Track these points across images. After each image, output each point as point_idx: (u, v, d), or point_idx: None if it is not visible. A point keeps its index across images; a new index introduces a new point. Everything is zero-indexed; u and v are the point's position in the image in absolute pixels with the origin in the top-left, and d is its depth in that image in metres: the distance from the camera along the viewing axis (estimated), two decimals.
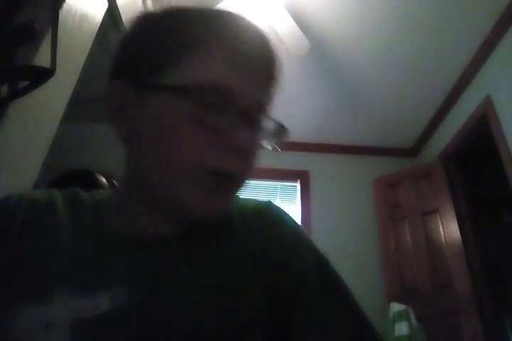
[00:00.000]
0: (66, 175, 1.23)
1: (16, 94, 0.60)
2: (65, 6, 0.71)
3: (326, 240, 2.95)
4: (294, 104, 2.91)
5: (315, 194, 3.16)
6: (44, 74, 0.60)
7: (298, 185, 3.23)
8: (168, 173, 0.39)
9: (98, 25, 0.89)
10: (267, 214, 0.47)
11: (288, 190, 3.25)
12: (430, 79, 2.63)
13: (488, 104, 2.31)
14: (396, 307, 2.40)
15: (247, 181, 0.43)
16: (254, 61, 0.41)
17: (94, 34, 0.87)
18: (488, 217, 2.86)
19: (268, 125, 0.42)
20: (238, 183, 0.42)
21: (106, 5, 0.94)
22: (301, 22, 2.21)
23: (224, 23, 0.43)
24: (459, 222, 2.53)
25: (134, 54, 0.43)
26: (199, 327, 0.36)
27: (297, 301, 0.40)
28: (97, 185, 1.22)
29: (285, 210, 0.49)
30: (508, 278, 2.47)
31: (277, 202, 3.17)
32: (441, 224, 2.63)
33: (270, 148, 0.43)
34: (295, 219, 0.48)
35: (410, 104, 2.88)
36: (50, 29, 0.64)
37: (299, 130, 3.17)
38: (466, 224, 2.56)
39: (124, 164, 0.45)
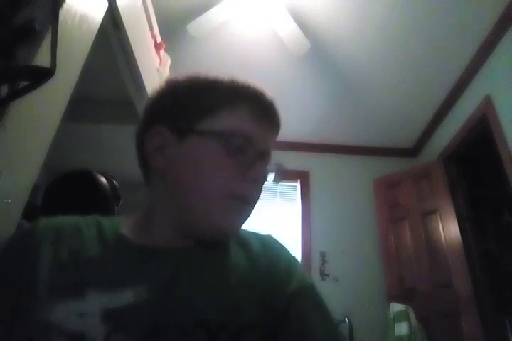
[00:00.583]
0: (66, 175, 1.23)
1: (16, 94, 0.60)
2: (65, 6, 0.71)
3: (326, 240, 2.96)
4: (294, 104, 2.91)
5: (315, 194, 3.16)
6: (44, 74, 0.60)
7: (298, 185, 3.23)
8: (204, 197, 0.51)
9: (98, 25, 0.89)
10: (270, 241, 0.60)
11: (288, 190, 3.25)
12: (430, 79, 2.63)
13: (488, 104, 2.31)
14: (396, 307, 2.40)
15: (255, 206, 0.56)
16: (268, 116, 0.57)
17: (94, 34, 0.87)
18: (488, 217, 2.86)
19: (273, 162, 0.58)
20: (250, 206, 0.55)
21: (106, 5, 0.94)
22: (302, 22, 2.21)
23: (244, 87, 0.58)
24: (459, 222, 2.53)
25: (176, 106, 0.56)
26: (205, 317, 0.44)
27: (290, 312, 0.49)
28: (97, 185, 1.22)
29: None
30: (508, 278, 2.47)
31: (277, 202, 3.18)
32: (441, 224, 2.63)
33: (272, 180, 0.59)
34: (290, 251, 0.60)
35: (410, 104, 2.88)
36: (50, 29, 0.64)
37: (299, 130, 3.18)
38: (466, 224, 2.56)
39: (152, 193, 0.58)
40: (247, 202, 0.53)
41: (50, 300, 0.45)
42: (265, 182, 0.58)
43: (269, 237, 0.61)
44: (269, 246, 0.57)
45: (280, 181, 0.63)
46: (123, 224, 0.57)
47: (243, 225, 0.55)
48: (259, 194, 0.56)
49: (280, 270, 0.53)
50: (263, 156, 0.55)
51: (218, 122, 0.53)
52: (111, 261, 0.50)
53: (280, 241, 0.61)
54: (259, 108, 0.56)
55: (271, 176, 0.59)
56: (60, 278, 0.47)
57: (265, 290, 0.50)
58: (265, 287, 0.50)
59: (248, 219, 0.56)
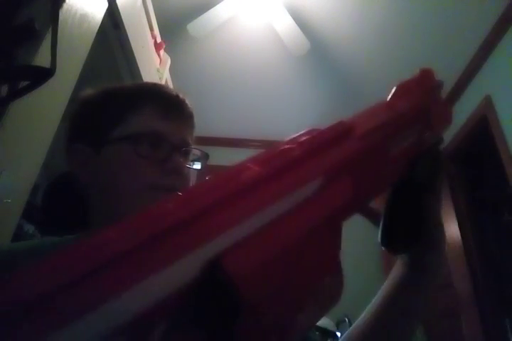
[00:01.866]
0: (66, 175, 1.23)
1: (16, 94, 0.60)
2: (65, 6, 0.71)
3: None
4: (294, 104, 2.91)
5: None
6: (44, 74, 0.60)
7: None
8: (130, 195, 0.53)
9: (98, 25, 0.89)
10: None
11: None
12: None
13: (488, 104, 2.31)
14: None
15: None
16: (175, 109, 0.59)
17: (94, 34, 0.87)
18: (488, 217, 2.86)
19: (195, 152, 0.61)
20: None
21: (106, 5, 0.94)
22: (302, 22, 2.21)
23: (145, 87, 0.62)
24: (459, 222, 2.53)
25: (87, 123, 0.59)
26: None
27: None
28: None
29: None
30: (508, 278, 2.47)
31: None
32: None
33: (199, 168, 0.61)
34: None
35: None
36: (50, 29, 0.64)
37: (299, 130, 3.16)
38: (466, 224, 2.56)
39: (88, 211, 0.60)
40: (168, 191, 0.54)
41: None
42: (192, 172, 0.60)
43: None
44: None
45: (204, 170, 0.62)
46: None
47: None
48: (185, 182, 0.57)
49: None
50: (178, 148, 0.57)
51: (127, 127, 0.56)
52: None
53: None
54: (163, 103, 0.59)
55: (198, 165, 0.62)
56: None
57: None
58: None
59: None
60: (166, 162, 0.55)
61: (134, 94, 0.60)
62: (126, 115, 0.57)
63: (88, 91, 0.63)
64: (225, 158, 3.22)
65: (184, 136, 0.59)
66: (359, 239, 2.97)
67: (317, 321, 0.24)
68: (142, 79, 1.25)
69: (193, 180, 0.62)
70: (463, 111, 2.62)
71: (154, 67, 1.45)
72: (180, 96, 0.62)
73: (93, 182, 0.58)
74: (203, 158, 0.63)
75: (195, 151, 0.62)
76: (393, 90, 0.40)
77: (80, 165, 0.58)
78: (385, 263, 2.80)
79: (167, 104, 0.59)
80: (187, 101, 0.63)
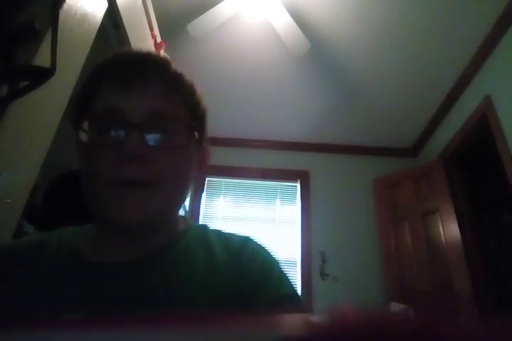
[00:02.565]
0: (66, 175, 1.23)
1: (16, 94, 0.60)
2: (65, 6, 0.71)
3: (326, 240, 2.96)
4: (294, 104, 2.91)
5: (315, 194, 3.16)
6: (44, 74, 0.60)
7: (298, 185, 3.23)
8: (91, 190, 0.46)
9: (98, 25, 0.89)
10: (250, 240, 0.53)
11: (288, 190, 3.25)
12: (430, 79, 2.63)
13: (488, 104, 2.31)
14: (396, 307, 2.40)
15: (173, 187, 0.47)
16: (136, 79, 0.46)
17: (94, 34, 0.87)
18: (488, 217, 2.86)
19: (174, 128, 0.48)
20: (156, 188, 0.46)
21: (106, 5, 0.94)
22: (302, 22, 2.21)
23: (104, 61, 0.50)
24: (459, 222, 2.53)
25: (73, 105, 0.52)
26: None
27: (260, 290, 0.45)
28: None
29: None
30: (508, 278, 2.47)
31: (277, 202, 3.18)
32: (441, 224, 2.63)
33: (177, 148, 0.47)
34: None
35: (410, 104, 2.88)
36: (50, 29, 0.64)
37: (298, 130, 3.18)
38: (466, 224, 2.56)
39: None
40: (138, 185, 0.44)
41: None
42: (179, 155, 0.47)
43: (243, 240, 0.53)
44: (239, 252, 0.50)
45: (186, 147, 0.47)
46: (84, 236, 0.53)
47: (157, 211, 0.46)
48: (164, 171, 0.46)
49: (249, 279, 0.47)
50: (137, 128, 0.44)
51: (90, 109, 0.47)
52: (57, 281, 0.46)
53: (256, 245, 0.53)
54: (116, 74, 0.47)
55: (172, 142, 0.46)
56: (7, 303, 0.44)
57: (230, 299, 0.44)
58: (231, 296, 0.45)
59: (166, 204, 0.47)
60: (119, 146, 0.43)
61: (96, 71, 0.50)
62: (91, 97, 0.48)
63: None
64: (225, 158, 3.23)
65: (152, 106, 0.46)
66: (359, 239, 2.98)
67: None
68: None
69: (188, 161, 0.50)
70: (463, 111, 2.62)
71: None
72: (143, 56, 0.49)
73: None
74: (181, 131, 0.48)
75: (179, 126, 0.48)
76: None
77: (76, 152, 0.52)
78: (385, 263, 2.80)
79: (124, 73, 0.47)
80: (158, 61, 0.49)
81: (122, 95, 0.46)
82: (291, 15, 2.11)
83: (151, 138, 0.45)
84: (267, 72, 2.64)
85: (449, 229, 2.57)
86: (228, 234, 0.55)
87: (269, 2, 2.08)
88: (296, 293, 0.48)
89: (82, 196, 0.49)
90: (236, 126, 3.22)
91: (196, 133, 0.51)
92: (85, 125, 0.46)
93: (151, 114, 0.45)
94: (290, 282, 0.49)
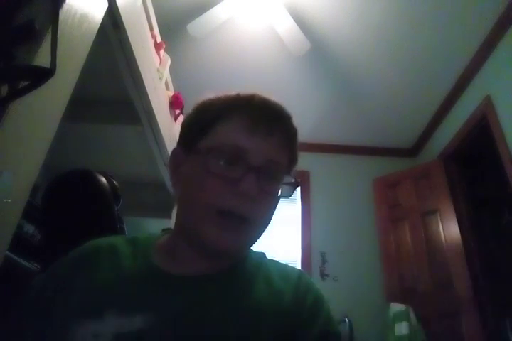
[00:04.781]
0: (66, 175, 1.23)
1: (16, 94, 0.60)
2: (65, 6, 0.71)
3: (326, 240, 2.96)
4: (294, 104, 2.89)
5: (315, 194, 3.16)
6: (44, 74, 0.60)
7: None
8: (193, 213, 0.52)
9: (98, 25, 0.89)
10: (298, 276, 0.57)
11: None
12: (430, 79, 2.63)
13: (488, 104, 2.31)
14: (396, 307, 2.40)
15: (262, 225, 0.54)
16: (263, 125, 0.52)
17: (94, 34, 0.87)
18: (488, 217, 2.86)
19: (285, 178, 0.54)
20: (250, 224, 0.51)
21: (106, 5, 0.94)
22: (302, 22, 2.21)
23: (240, 98, 0.56)
24: (459, 222, 2.53)
25: (186, 128, 0.59)
26: None
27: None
28: (97, 184, 1.22)
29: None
30: (508, 278, 2.47)
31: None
32: (441, 224, 2.63)
33: (282, 196, 0.54)
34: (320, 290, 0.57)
35: (410, 104, 2.88)
36: (50, 29, 0.64)
37: (299, 130, 3.17)
38: (466, 224, 2.56)
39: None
40: (237, 219, 0.50)
41: (74, 321, 0.47)
42: (274, 200, 0.54)
43: (299, 272, 0.58)
44: (296, 283, 0.55)
45: (289, 196, 0.55)
46: (156, 245, 0.59)
47: (246, 244, 0.54)
48: (257, 210, 0.51)
49: (305, 309, 0.51)
50: (257, 169, 0.50)
51: (213, 138, 0.53)
52: (132, 285, 0.52)
53: (309, 279, 0.58)
54: (254, 116, 0.53)
55: (286, 191, 0.54)
56: (84, 301, 0.49)
57: (284, 327, 0.48)
58: (285, 324, 0.49)
59: (254, 238, 0.54)
60: (237, 182, 0.49)
61: (227, 104, 0.55)
62: (215, 125, 0.54)
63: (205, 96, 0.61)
64: None
65: (271, 155, 0.52)
66: (359, 239, 2.97)
67: None
68: (142, 79, 1.25)
69: (277, 203, 0.55)
70: (463, 111, 2.63)
71: (154, 67, 1.45)
72: (279, 109, 0.56)
73: (177, 186, 0.57)
74: (291, 185, 0.55)
75: (281, 175, 0.54)
76: None
77: (173, 166, 0.58)
78: (385, 263, 2.80)
79: (257, 117, 0.52)
80: (287, 117, 0.57)
81: (250, 138, 0.51)
82: (291, 16, 2.11)
83: (264, 184, 0.51)
84: (267, 72, 2.64)
85: (449, 229, 2.57)
86: (283, 265, 0.60)
87: (269, 2, 2.08)
88: (340, 333, 0.53)
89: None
90: None
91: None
92: (208, 155, 0.51)
93: (269, 160, 0.52)
94: (335, 320, 0.54)
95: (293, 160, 0.59)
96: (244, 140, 0.51)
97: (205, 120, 0.55)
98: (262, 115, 0.53)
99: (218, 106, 0.55)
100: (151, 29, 1.46)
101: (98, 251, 0.57)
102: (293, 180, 0.55)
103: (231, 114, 0.54)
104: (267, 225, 0.55)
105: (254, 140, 0.51)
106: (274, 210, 0.55)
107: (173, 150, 0.59)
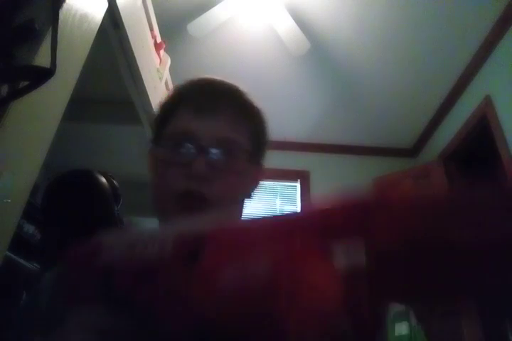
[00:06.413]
0: (66, 175, 1.23)
1: (16, 94, 0.60)
2: (65, 6, 0.71)
3: None
4: (294, 104, 2.91)
5: (315, 194, 3.16)
6: (44, 74, 0.60)
7: (298, 185, 3.23)
8: (158, 203, 0.54)
9: (98, 25, 0.89)
10: None
11: (288, 190, 3.25)
12: (430, 79, 2.63)
13: (488, 104, 2.31)
14: (396, 307, 2.39)
15: (227, 204, 0.52)
16: (212, 106, 0.53)
17: (94, 34, 0.87)
18: None
19: (237, 153, 0.53)
20: (213, 204, 0.51)
21: (106, 5, 0.94)
22: (302, 22, 2.21)
23: (188, 85, 0.58)
24: None
25: (153, 125, 0.61)
26: None
27: None
28: (97, 184, 1.22)
29: None
30: None
31: (277, 202, 3.18)
32: None
33: (237, 172, 0.53)
34: None
35: (410, 104, 2.88)
36: (50, 29, 0.64)
37: (299, 130, 3.17)
38: None
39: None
40: (199, 200, 0.50)
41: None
42: (233, 177, 0.53)
43: None
44: None
45: (242, 171, 0.54)
46: None
47: None
48: (220, 189, 0.51)
49: None
50: (205, 149, 0.50)
51: (167, 130, 0.55)
52: None
53: None
54: (196, 100, 0.54)
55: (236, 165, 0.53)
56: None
57: None
58: None
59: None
60: (188, 165, 0.50)
61: (176, 94, 0.58)
62: (169, 118, 0.55)
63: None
64: None
65: (221, 133, 0.52)
66: None
67: None
68: (142, 79, 1.25)
69: (244, 182, 0.55)
70: (463, 111, 2.62)
71: (154, 67, 1.45)
72: (224, 87, 0.56)
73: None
74: (242, 158, 0.54)
75: (239, 152, 0.53)
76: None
77: (148, 163, 0.59)
78: None
79: (201, 99, 0.54)
80: (235, 92, 0.56)
81: (196, 120, 0.52)
82: (291, 16, 2.11)
83: (216, 163, 0.51)
84: (267, 72, 2.64)
85: None
86: None
87: (269, 2, 2.08)
88: None
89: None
90: None
91: (255, 159, 0.57)
92: (162, 143, 0.54)
93: (218, 140, 0.52)
94: None
95: (256, 136, 0.57)
96: (191, 123, 0.52)
97: (161, 114, 0.58)
98: (205, 96, 0.54)
99: (170, 99, 0.58)
100: (151, 29, 1.46)
101: None
102: (254, 151, 0.56)
103: (180, 102, 0.55)
104: (236, 203, 0.55)
105: (200, 121, 0.52)
106: (242, 188, 0.55)
107: (149, 146, 0.60)
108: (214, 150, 0.51)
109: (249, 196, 0.59)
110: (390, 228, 0.22)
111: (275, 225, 0.26)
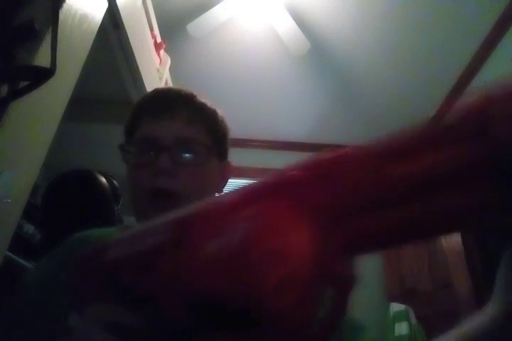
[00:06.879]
0: (66, 175, 1.23)
1: (16, 94, 0.60)
2: (65, 6, 0.71)
3: None
4: (294, 104, 2.91)
5: None
6: (44, 74, 0.60)
7: None
8: (134, 198, 0.58)
9: (98, 25, 0.89)
10: None
11: None
12: (430, 79, 2.63)
13: None
14: (396, 307, 2.40)
15: (195, 196, 0.55)
16: (167, 111, 0.59)
17: (94, 34, 0.87)
18: None
19: (197, 149, 0.59)
20: (180, 198, 0.55)
21: (106, 5, 0.94)
22: (302, 22, 2.21)
23: (147, 96, 0.66)
24: None
25: (124, 134, 0.65)
26: None
27: None
28: (97, 184, 1.22)
29: None
30: None
31: None
32: None
33: (197, 165, 0.58)
34: None
35: (410, 104, 2.88)
36: (50, 29, 0.64)
37: (298, 130, 3.17)
38: None
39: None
40: (166, 195, 0.54)
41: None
42: (196, 170, 0.58)
43: None
44: None
45: (203, 165, 0.59)
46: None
47: None
48: (185, 183, 0.56)
49: None
50: (167, 147, 0.56)
51: (133, 136, 0.61)
52: None
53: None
54: (154, 107, 0.60)
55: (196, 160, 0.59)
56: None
57: None
58: None
59: None
60: (153, 165, 0.55)
61: (137, 106, 0.64)
62: (135, 128, 0.61)
63: None
64: None
65: (179, 132, 0.58)
66: None
67: None
68: (142, 79, 1.25)
69: (209, 176, 0.60)
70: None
71: (154, 67, 1.45)
72: (177, 92, 0.62)
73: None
74: (202, 152, 0.59)
75: (199, 148, 0.59)
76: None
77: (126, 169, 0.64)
78: (385, 263, 2.81)
79: (158, 105, 0.60)
80: (186, 96, 0.62)
81: (155, 125, 0.58)
82: (291, 15, 2.11)
83: (178, 158, 0.57)
84: (267, 72, 2.64)
85: None
86: None
87: (269, 2, 2.08)
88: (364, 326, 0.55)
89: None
90: (236, 126, 3.20)
91: (216, 153, 0.62)
92: (130, 149, 0.59)
93: (177, 139, 0.57)
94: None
95: (211, 130, 0.62)
96: (151, 128, 0.58)
97: (128, 125, 0.64)
98: (162, 102, 0.60)
99: (133, 111, 0.64)
100: (151, 29, 1.46)
101: (88, 241, 0.59)
102: (213, 146, 0.60)
103: (140, 112, 0.62)
104: (204, 195, 0.58)
105: (159, 125, 0.58)
106: (208, 181, 0.60)
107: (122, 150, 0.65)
108: (175, 148, 0.56)
109: (218, 191, 0.63)
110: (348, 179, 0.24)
111: (247, 193, 0.28)
